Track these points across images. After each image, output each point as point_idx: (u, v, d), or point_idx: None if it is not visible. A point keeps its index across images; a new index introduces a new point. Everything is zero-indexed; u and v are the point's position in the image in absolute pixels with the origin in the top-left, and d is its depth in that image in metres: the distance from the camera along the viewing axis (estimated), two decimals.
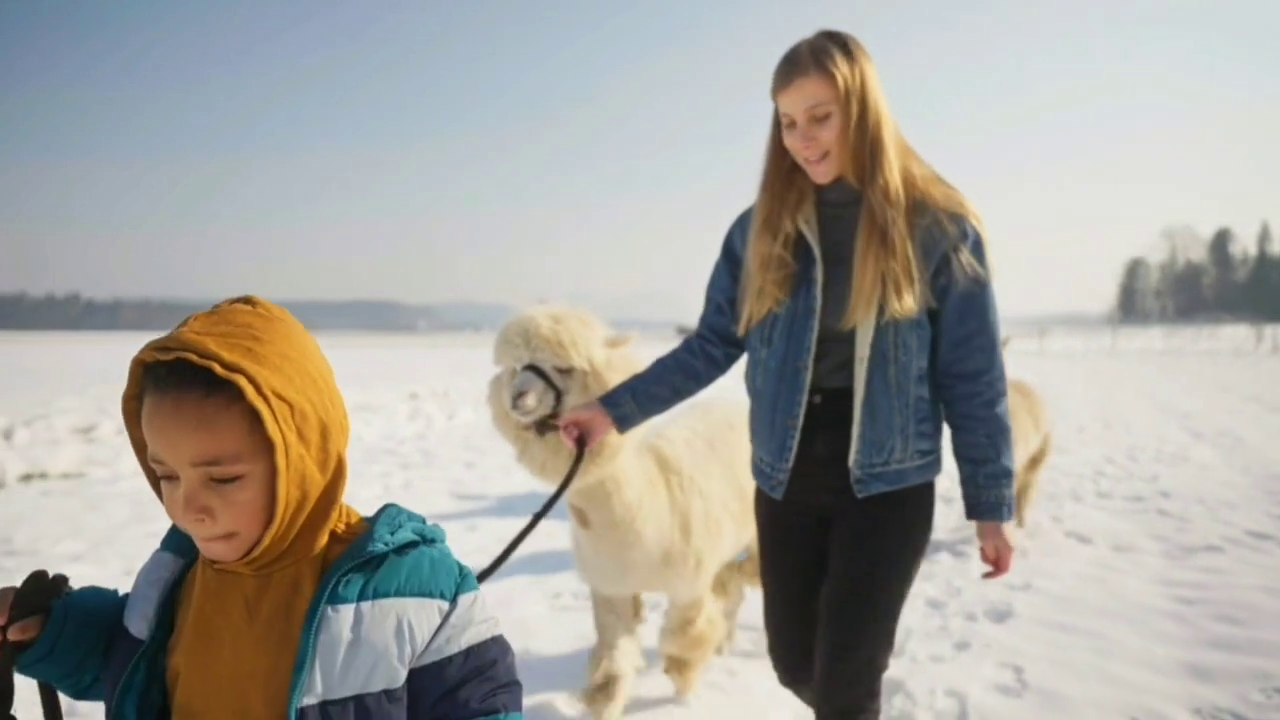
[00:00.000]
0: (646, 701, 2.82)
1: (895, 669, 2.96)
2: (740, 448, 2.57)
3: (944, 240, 1.64)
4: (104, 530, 4.94)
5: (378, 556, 0.87)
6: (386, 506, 0.95)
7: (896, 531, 1.72)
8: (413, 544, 0.91)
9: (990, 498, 1.69)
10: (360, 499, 4.18)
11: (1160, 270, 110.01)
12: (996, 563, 1.72)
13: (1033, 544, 4.63)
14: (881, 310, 1.62)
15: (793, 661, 1.87)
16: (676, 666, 2.70)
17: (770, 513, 1.86)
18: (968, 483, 1.73)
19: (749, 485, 2.21)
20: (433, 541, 0.93)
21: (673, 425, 2.62)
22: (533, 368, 2.02)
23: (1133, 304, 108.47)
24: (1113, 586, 3.87)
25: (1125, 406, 11.98)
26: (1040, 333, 42.20)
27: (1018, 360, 26.63)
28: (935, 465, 1.77)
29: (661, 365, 1.94)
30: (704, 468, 2.51)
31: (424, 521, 0.95)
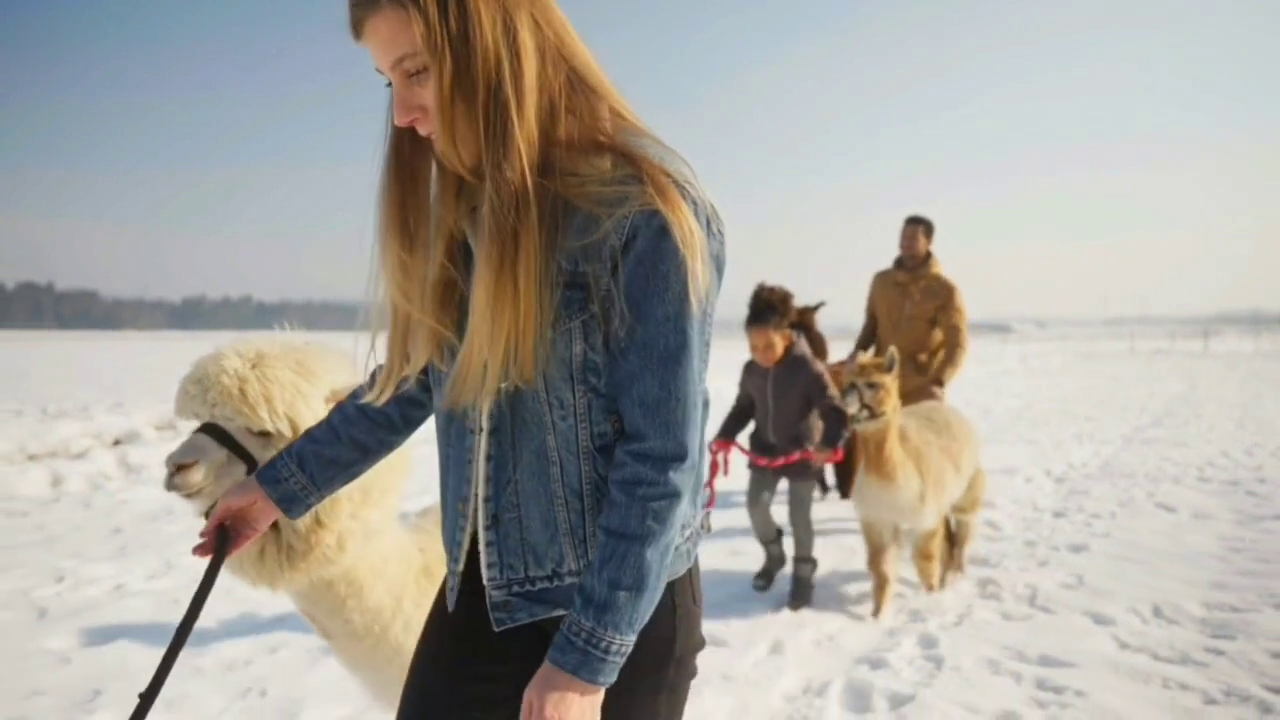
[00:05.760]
0: None
1: (987, 570, 4.37)
2: None
3: (601, 248, 0.98)
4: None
5: None
6: None
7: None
8: None
9: (568, 624, 1.00)
10: None
11: None
12: None
13: (1122, 510, 5.77)
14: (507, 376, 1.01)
15: None
16: None
17: (438, 622, 1.23)
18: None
19: None
20: None
21: None
22: (213, 428, 1.52)
23: None
24: (1179, 539, 5.02)
25: (1271, 409, 12.24)
26: (1204, 334, 40.05)
27: (1175, 362, 25.86)
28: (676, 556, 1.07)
29: (342, 415, 1.31)
30: None
31: None
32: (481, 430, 1.08)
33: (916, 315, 4.98)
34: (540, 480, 1.06)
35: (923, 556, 3.97)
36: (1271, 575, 4.23)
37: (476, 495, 1.10)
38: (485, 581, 1.11)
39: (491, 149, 0.96)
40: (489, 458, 1.08)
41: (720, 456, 3.81)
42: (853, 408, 3.54)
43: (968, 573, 4.35)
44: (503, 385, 1.02)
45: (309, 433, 1.31)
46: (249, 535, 1.29)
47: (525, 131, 0.96)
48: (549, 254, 0.99)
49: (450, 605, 1.18)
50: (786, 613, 3.83)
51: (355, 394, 1.31)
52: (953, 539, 4.29)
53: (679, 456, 1.00)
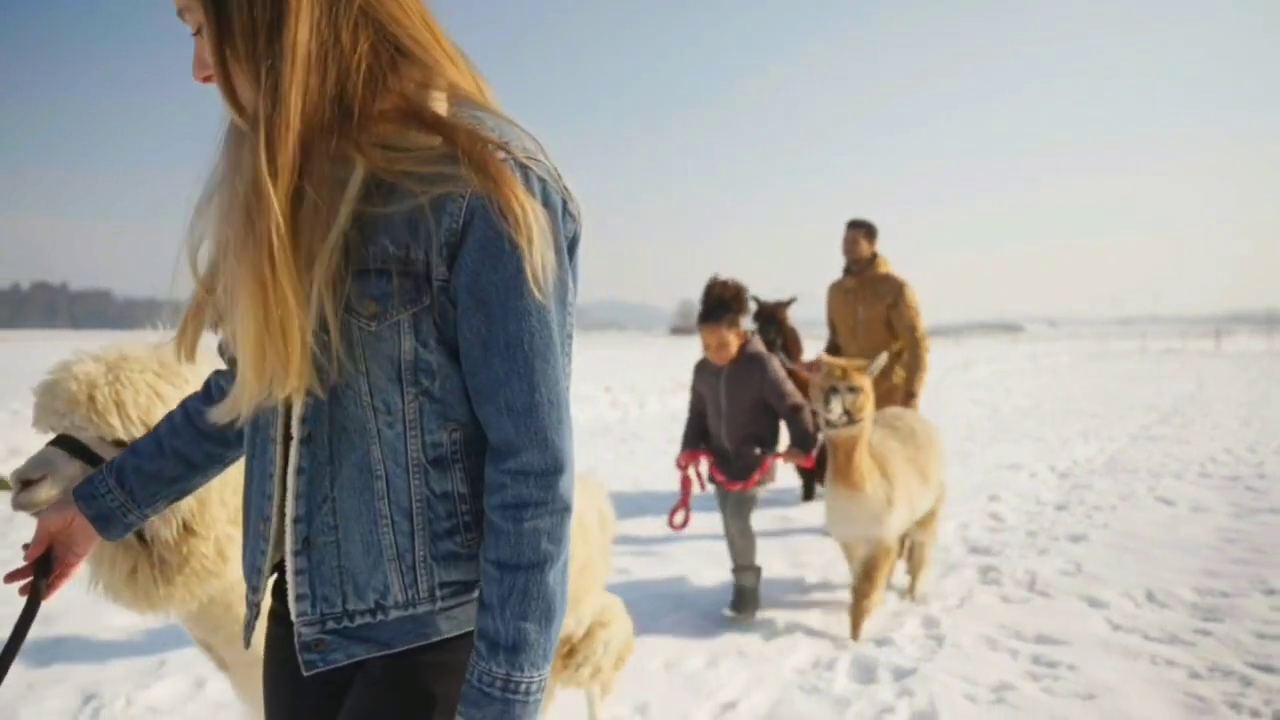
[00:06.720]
0: None
1: (989, 558, 4.57)
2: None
3: (427, 232, 0.88)
4: None
5: None
6: None
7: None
8: None
9: (477, 675, 0.90)
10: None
11: None
12: None
13: (1122, 503, 5.96)
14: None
15: None
16: None
17: (267, 671, 1.10)
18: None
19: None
20: None
21: None
22: (67, 440, 1.41)
23: None
24: (1176, 530, 5.20)
25: (1278, 407, 12.30)
26: (1216, 333, 40.08)
27: (1185, 361, 25.91)
28: None
29: (169, 424, 1.17)
30: None
31: None
32: (291, 439, 0.94)
33: (871, 319, 4.99)
34: (362, 498, 0.93)
35: (861, 591, 3.49)
36: (1263, 564, 4.42)
37: (285, 515, 0.95)
38: (294, 617, 0.96)
39: (263, 111, 0.85)
40: (300, 471, 0.94)
41: (691, 470, 3.69)
42: (834, 413, 3.29)
43: (965, 567, 4.55)
44: (273, 398, 0.89)
45: (134, 445, 1.18)
46: (73, 561, 1.15)
47: (305, 96, 0.85)
48: (370, 229, 0.88)
49: (245, 642, 1.03)
50: (797, 595, 4.05)
51: (192, 399, 1.18)
52: (909, 560, 4.07)
53: (560, 467, 0.92)
